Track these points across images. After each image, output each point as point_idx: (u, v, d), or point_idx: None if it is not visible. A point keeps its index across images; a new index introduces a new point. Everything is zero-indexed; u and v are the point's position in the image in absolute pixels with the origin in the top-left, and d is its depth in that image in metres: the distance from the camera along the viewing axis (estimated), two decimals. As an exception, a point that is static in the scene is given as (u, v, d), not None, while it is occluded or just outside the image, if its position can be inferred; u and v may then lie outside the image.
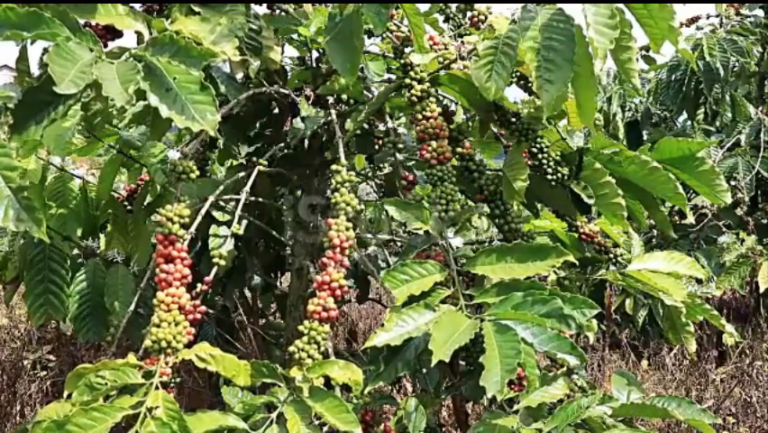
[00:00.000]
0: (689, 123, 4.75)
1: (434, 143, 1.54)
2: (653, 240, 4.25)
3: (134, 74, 1.07)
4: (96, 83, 1.05)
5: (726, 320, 1.83)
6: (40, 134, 1.09)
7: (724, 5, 4.50)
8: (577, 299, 1.32)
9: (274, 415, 1.25)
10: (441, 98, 1.77)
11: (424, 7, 1.76)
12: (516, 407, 1.34)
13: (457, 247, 1.49)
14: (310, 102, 1.76)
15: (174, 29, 1.21)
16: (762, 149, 4.06)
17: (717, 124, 4.68)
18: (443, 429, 2.50)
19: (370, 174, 2.17)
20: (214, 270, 1.51)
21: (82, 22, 1.16)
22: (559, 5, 1.27)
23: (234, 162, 2.20)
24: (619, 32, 1.19)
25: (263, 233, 2.05)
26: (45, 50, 1.37)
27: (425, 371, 1.55)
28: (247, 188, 1.61)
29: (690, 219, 4.08)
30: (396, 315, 1.31)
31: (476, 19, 1.78)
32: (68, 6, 1.13)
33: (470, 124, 1.95)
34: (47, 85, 1.04)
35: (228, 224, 1.69)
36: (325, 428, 1.28)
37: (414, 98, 1.57)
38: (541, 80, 1.24)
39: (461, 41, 1.66)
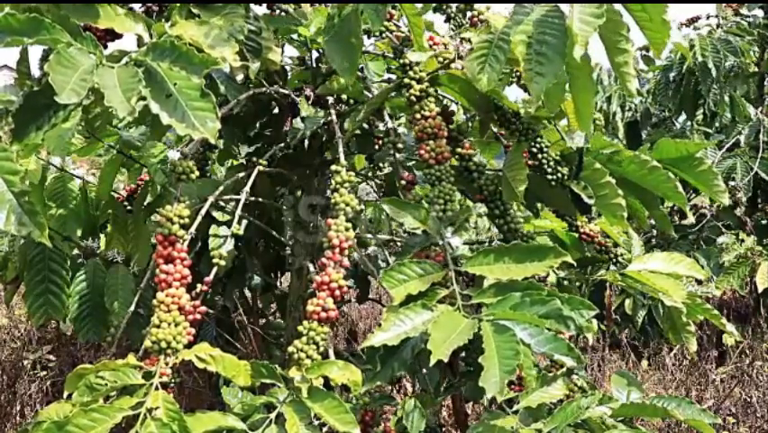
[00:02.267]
0: (688, 123, 4.75)
1: (432, 143, 1.54)
2: (653, 240, 4.26)
3: (136, 82, 1.06)
4: (97, 91, 1.05)
5: (726, 320, 1.83)
6: (41, 139, 1.09)
7: (722, 6, 4.50)
8: (574, 300, 1.32)
9: (273, 415, 1.25)
10: (440, 98, 1.77)
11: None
12: (515, 407, 1.34)
13: (456, 247, 1.49)
14: (310, 102, 1.76)
15: (174, 33, 1.20)
16: (760, 150, 4.06)
17: (717, 124, 4.67)
18: (443, 429, 2.50)
19: (370, 174, 2.17)
20: (214, 270, 1.52)
21: (82, 25, 1.16)
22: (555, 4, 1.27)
23: (234, 162, 2.20)
24: (605, 20, 1.18)
25: (263, 233, 2.05)
26: (45, 52, 1.38)
27: (424, 371, 1.55)
28: (247, 188, 1.61)
29: (691, 219, 4.09)
30: (393, 315, 1.31)
31: (476, 19, 1.78)
32: (69, 10, 1.13)
33: (470, 124, 1.95)
34: (47, 90, 1.04)
35: (228, 224, 1.70)
36: (325, 429, 1.28)
37: (413, 98, 1.57)
38: (531, 73, 1.23)
39: (461, 41, 1.66)
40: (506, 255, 1.38)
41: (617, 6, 1.24)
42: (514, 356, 1.18)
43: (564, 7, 1.26)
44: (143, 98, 1.10)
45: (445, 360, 1.18)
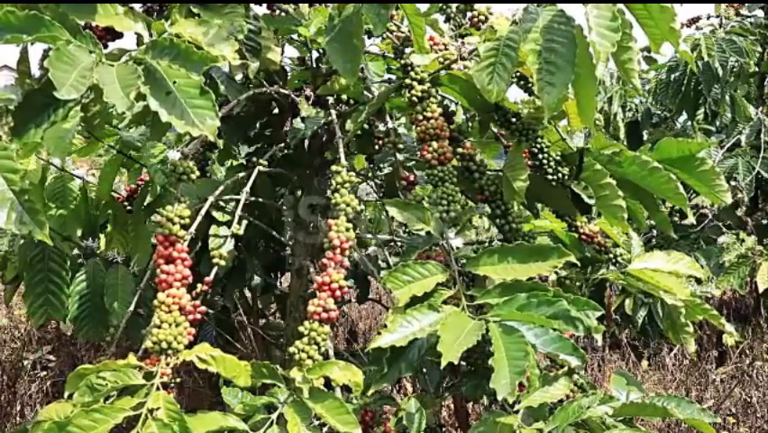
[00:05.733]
0: (689, 123, 4.75)
1: (434, 144, 1.54)
2: (653, 240, 4.25)
3: (135, 78, 1.07)
4: (96, 88, 1.05)
5: (726, 320, 1.83)
6: (40, 136, 1.09)
7: (723, 6, 4.49)
8: (580, 301, 1.32)
9: (274, 416, 1.25)
10: (441, 99, 1.76)
11: (424, 7, 1.76)
12: (516, 407, 1.34)
13: (458, 248, 1.49)
14: (310, 102, 1.76)
15: (174, 31, 1.20)
16: (762, 149, 4.06)
17: (718, 124, 4.67)
18: (444, 429, 2.50)
19: (370, 174, 2.17)
20: (214, 270, 1.52)
21: (82, 23, 1.16)
22: (560, 6, 1.27)
23: (234, 162, 2.20)
24: (621, 33, 1.19)
25: (263, 233, 2.05)
26: (46, 52, 1.37)
27: (425, 371, 1.55)
28: (247, 188, 1.61)
29: (691, 219, 4.08)
30: (400, 316, 1.30)
31: (476, 20, 1.78)
32: (68, 8, 1.13)
33: (470, 124, 1.95)
34: (47, 87, 1.04)
35: (228, 224, 1.69)
36: (325, 429, 1.28)
37: (414, 99, 1.57)
38: (542, 82, 1.24)
39: (462, 42, 1.66)
40: (509, 255, 1.38)
41: (621, 6, 1.25)
42: (524, 357, 1.18)
43: (571, 10, 1.26)
44: (143, 99, 1.10)
45: (456, 362, 1.18)
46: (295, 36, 1.86)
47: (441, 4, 1.83)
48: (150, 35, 1.24)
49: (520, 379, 1.16)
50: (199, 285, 1.42)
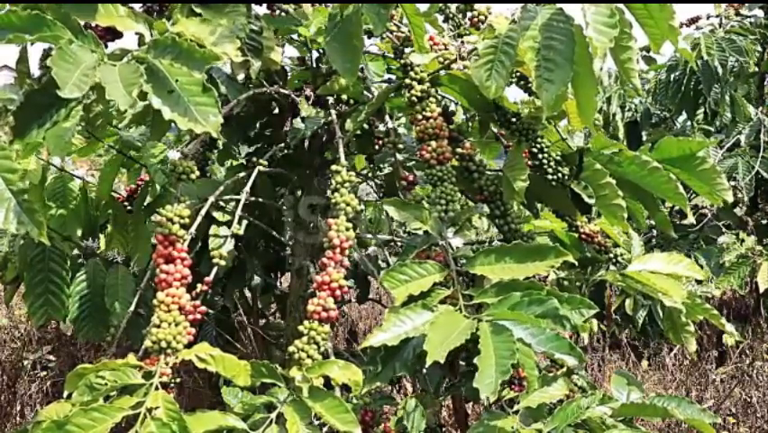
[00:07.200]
0: (688, 123, 4.75)
1: (433, 143, 1.54)
2: (653, 240, 4.25)
3: (137, 77, 1.07)
4: (98, 86, 1.05)
5: (726, 320, 1.83)
6: (42, 137, 1.09)
7: (723, 5, 4.50)
8: (575, 299, 1.32)
9: (273, 415, 1.25)
10: (441, 98, 1.77)
11: (424, 7, 1.77)
12: (515, 407, 1.34)
13: (457, 247, 1.49)
14: (310, 102, 1.77)
15: (175, 30, 1.21)
16: (761, 149, 4.06)
17: (717, 124, 4.67)
18: (443, 429, 2.49)
19: (370, 174, 2.18)
20: (214, 270, 1.52)
21: (83, 23, 1.16)
22: (559, 5, 1.27)
23: (234, 163, 2.20)
24: (619, 31, 1.19)
25: (263, 233, 2.05)
26: (46, 52, 1.38)
27: (424, 371, 1.55)
28: (247, 188, 1.61)
29: (691, 219, 4.08)
30: (393, 315, 1.30)
31: (476, 19, 1.78)
32: (70, 8, 1.13)
33: (470, 124, 1.95)
34: (49, 87, 1.04)
35: (228, 224, 1.70)
36: (325, 429, 1.28)
37: (414, 98, 1.57)
38: (541, 80, 1.24)
39: (461, 42, 1.66)
40: (507, 255, 1.38)
41: (620, 5, 1.25)
42: (510, 356, 1.17)
43: (570, 9, 1.26)
44: (145, 98, 1.10)
45: (441, 361, 1.18)
46: (295, 36, 1.86)
47: (441, 4, 1.84)
48: (152, 35, 1.24)
49: (504, 378, 1.14)
50: (199, 285, 1.42)
